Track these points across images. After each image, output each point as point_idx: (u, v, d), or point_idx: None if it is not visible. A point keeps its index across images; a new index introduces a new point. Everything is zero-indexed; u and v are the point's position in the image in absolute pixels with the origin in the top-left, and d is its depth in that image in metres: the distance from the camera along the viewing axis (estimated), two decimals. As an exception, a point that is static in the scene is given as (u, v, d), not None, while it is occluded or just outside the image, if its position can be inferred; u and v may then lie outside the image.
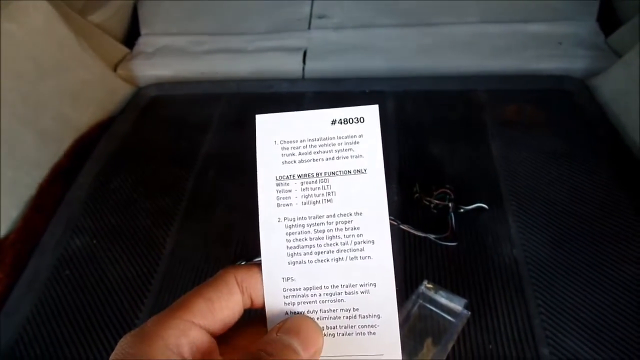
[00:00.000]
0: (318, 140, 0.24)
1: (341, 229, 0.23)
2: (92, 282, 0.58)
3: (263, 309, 0.22)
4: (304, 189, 0.23)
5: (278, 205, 0.23)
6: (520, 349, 0.48)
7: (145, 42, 0.95)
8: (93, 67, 0.79)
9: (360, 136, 0.23)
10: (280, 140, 0.24)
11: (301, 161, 0.23)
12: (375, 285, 0.22)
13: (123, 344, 0.19)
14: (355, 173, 0.23)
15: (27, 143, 0.67)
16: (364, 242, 0.22)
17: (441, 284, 0.53)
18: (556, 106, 0.75)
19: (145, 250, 0.62)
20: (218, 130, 0.78)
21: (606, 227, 0.58)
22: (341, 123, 0.24)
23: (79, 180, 0.70)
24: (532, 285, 0.53)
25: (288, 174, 0.23)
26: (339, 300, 0.22)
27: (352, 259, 0.22)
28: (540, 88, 0.78)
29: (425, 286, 0.51)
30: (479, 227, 0.59)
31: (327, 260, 0.22)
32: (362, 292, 0.22)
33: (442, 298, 0.50)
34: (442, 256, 0.56)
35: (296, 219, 0.23)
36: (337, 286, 0.22)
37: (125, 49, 0.94)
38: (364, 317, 0.22)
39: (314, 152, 0.23)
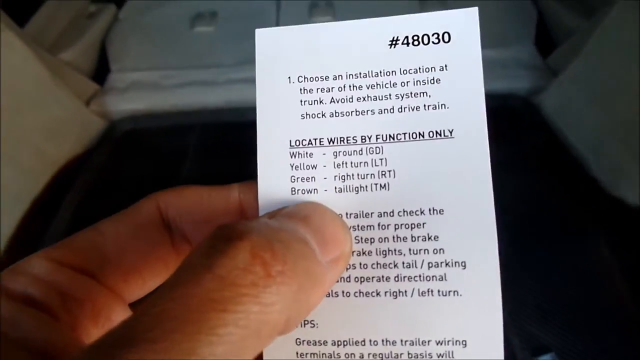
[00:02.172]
0: (366, 76, 0.14)
1: (405, 239, 0.13)
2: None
3: None
4: (338, 165, 0.14)
5: (293, 191, 0.14)
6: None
7: (116, 78, 0.97)
8: (67, 103, 0.81)
9: (444, 68, 0.14)
10: (299, 75, 0.14)
11: (335, 114, 0.14)
12: (465, 345, 0.13)
13: None
14: (432, 137, 0.13)
15: (7, 179, 0.68)
16: (447, 265, 0.13)
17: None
18: (504, 122, 0.83)
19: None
20: (194, 159, 0.81)
21: (553, 225, 0.65)
22: (408, 44, 0.14)
23: (60, 214, 0.71)
24: (498, 281, 0.58)
25: (312, 137, 0.14)
26: None
27: (423, 294, 0.13)
28: (489, 106, 0.86)
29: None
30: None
31: (377, 295, 0.13)
32: (439, 356, 0.13)
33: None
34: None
35: None
36: (393, 342, 0.13)
37: (95, 85, 0.96)
38: None
39: (359, 99, 0.14)
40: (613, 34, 0.71)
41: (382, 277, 0.13)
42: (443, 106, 0.13)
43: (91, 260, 0.13)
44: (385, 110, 0.14)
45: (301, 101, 0.14)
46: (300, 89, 0.14)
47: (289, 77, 0.14)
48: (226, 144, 0.83)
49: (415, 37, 0.14)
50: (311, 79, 0.14)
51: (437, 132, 0.13)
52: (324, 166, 0.14)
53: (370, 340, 0.13)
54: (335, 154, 0.14)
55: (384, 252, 0.13)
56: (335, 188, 0.14)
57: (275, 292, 0.10)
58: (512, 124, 0.83)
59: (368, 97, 0.14)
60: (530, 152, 0.76)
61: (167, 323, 0.09)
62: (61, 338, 0.12)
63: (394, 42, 0.14)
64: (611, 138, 0.66)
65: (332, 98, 0.14)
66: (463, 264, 0.13)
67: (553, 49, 0.93)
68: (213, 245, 0.10)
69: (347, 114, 0.14)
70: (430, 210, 0.13)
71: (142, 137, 0.87)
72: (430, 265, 0.13)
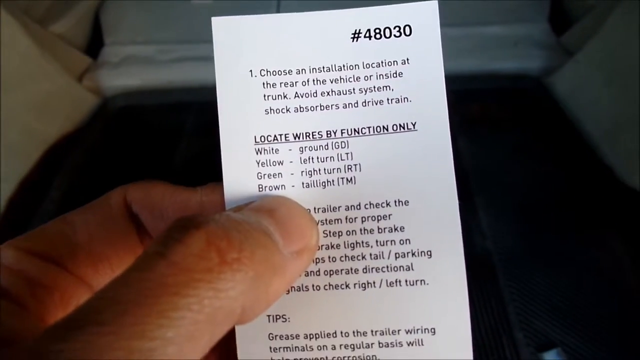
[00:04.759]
0: (329, 70, 0.14)
1: (372, 231, 0.13)
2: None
3: None
4: (305, 160, 0.14)
5: (260, 188, 0.14)
6: (497, 334, 0.51)
7: (109, 51, 0.93)
8: (57, 78, 0.78)
9: (406, 62, 0.14)
10: (261, 69, 0.14)
11: (300, 109, 0.14)
12: (434, 333, 0.13)
13: None
14: (396, 130, 0.13)
15: (-6, 158, 0.65)
16: (413, 255, 0.13)
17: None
18: (513, 103, 0.79)
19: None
20: (191, 139, 0.78)
21: (566, 214, 0.62)
22: (370, 37, 0.14)
23: (50, 194, 0.68)
24: (504, 274, 0.56)
25: (277, 133, 0.14)
26: (367, 358, 0.13)
27: (391, 284, 0.13)
28: (500, 87, 0.82)
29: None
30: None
31: (347, 287, 0.13)
32: (409, 344, 0.13)
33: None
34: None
35: None
36: (364, 333, 0.13)
37: (88, 59, 0.92)
38: None
39: (323, 93, 0.14)
40: (634, 12, 0.67)
41: (351, 269, 0.13)
42: (406, 99, 0.14)
43: (60, 249, 0.13)
44: (350, 105, 0.14)
45: (265, 96, 0.14)
46: (263, 83, 0.14)
47: (251, 71, 0.14)
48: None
49: (377, 30, 0.14)
50: (274, 73, 0.14)
51: (400, 125, 0.14)
52: (291, 162, 0.14)
53: (341, 332, 0.13)
54: (301, 149, 0.14)
55: (352, 245, 0.13)
56: (303, 183, 0.14)
57: (230, 279, 0.10)
58: (523, 106, 0.79)
59: (332, 91, 0.14)
60: (540, 137, 0.73)
61: (117, 306, 0.09)
62: (29, 326, 0.11)
63: (356, 35, 0.14)
64: (628, 124, 0.63)
65: (296, 93, 0.14)
66: (429, 253, 0.13)
67: (568, 27, 0.88)
68: (169, 234, 0.10)
69: (312, 108, 0.14)
70: (395, 202, 0.13)
71: (137, 114, 0.83)
72: (397, 255, 0.13)
